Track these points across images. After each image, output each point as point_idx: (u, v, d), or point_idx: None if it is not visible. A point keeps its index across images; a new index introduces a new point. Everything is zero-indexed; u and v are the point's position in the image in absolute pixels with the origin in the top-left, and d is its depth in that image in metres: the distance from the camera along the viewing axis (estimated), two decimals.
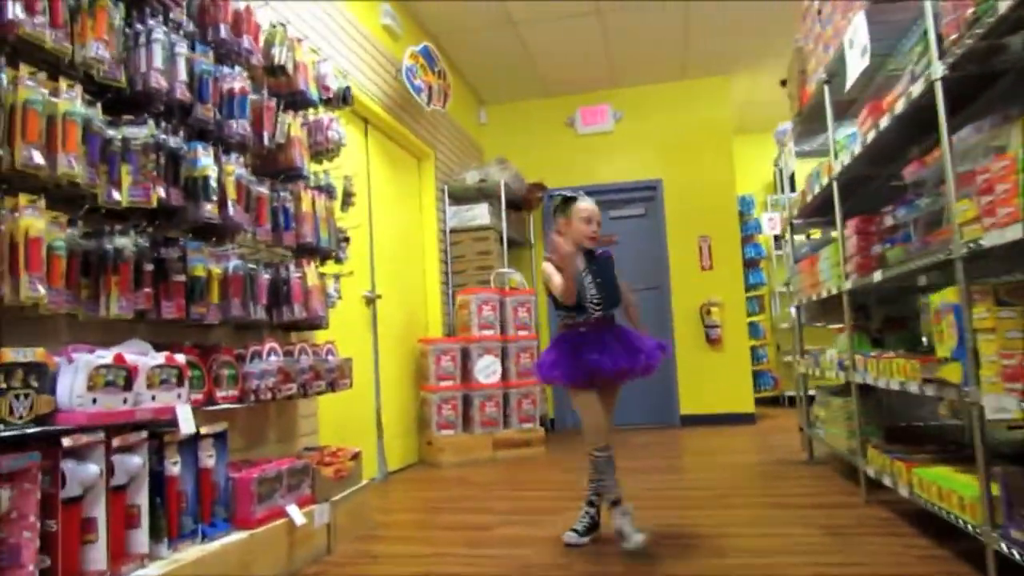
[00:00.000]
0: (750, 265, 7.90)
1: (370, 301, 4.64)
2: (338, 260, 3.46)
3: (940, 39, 2.18)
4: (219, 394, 2.51)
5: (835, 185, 3.43)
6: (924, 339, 3.63)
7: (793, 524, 2.99)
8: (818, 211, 4.26)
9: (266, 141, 2.84)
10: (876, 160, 3.12)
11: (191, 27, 2.52)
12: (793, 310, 4.83)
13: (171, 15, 2.39)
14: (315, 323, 3.18)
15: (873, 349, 3.47)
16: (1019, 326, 1.90)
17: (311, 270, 3.09)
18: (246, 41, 2.75)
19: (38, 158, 1.79)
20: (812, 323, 5.28)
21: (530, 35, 5.89)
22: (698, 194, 6.91)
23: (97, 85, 2.09)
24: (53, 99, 1.87)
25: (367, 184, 4.69)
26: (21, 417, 1.71)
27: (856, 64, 2.90)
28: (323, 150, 3.35)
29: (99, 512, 1.88)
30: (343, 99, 3.55)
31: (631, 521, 2.67)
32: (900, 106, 2.47)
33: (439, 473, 4.72)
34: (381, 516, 3.46)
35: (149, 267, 2.20)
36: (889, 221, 2.85)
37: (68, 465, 1.79)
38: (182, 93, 2.35)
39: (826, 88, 3.48)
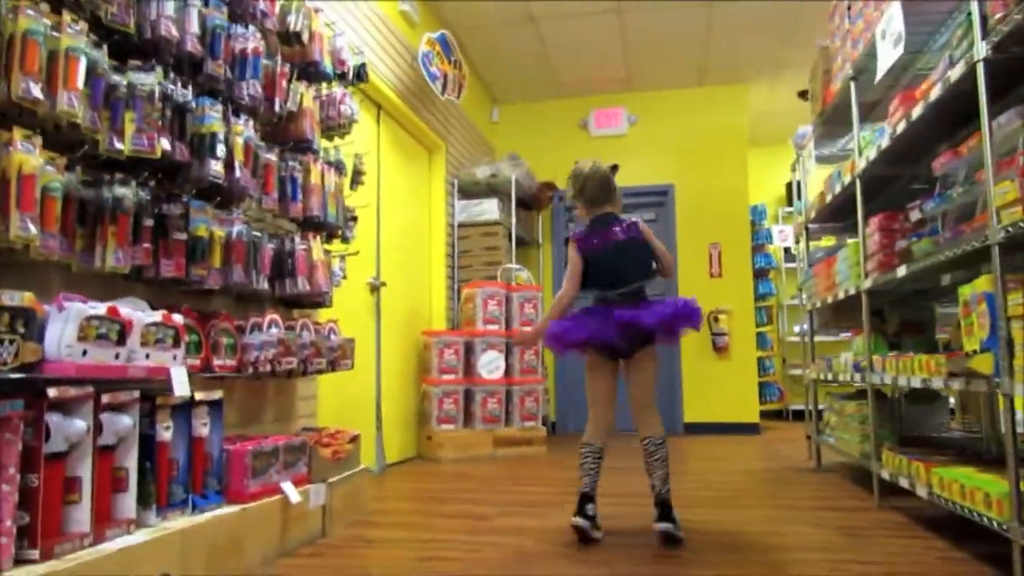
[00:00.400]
0: (760, 275, 7.81)
1: (374, 288, 4.55)
2: (344, 239, 3.37)
3: (984, 20, 2.09)
4: (216, 362, 2.42)
5: (858, 183, 3.34)
6: (940, 346, 3.55)
7: (805, 524, 2.89)
8: (836, 214, 4.17)
9: (277, 107, 2.76)
10: (903, 157, 3.04)
11: None
12: (805, 310, 4.72)
13: None
14: (318, 300, 3.09)
15: (890, 352, 3.37)
16: None
17: (317, 244, 3.00)
18: (262, 3, 2.67)
19: (36, 91, 1.71)
20: (824, 330, 5.19)
21: (549, 33, 5.83)
22: (710, 201, 6.82)
23: (104, 29, 2.00)
24: (55, 33, 1.79)
25: (377, 170, 4.62)
26: (5, 363, 1.62)
27: (888, 55, 2.82)
28: (335, 125, 3.27)
29: (84, 472, 1.78)
30: (358, 75, 3.48)
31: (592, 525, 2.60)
32: (936, 92, 2.38)
33: (438, 468, 4.61)
34: (378, 504, 3.36)
35: (149, 222, 2.11)
36: (916, 216, 2.76)
37: (53, 418, 1.70)
38: (193, 46, 2.27)
39: (852, 85, 3.39)
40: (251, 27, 2.60)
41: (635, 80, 6.85)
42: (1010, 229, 1.91)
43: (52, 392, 1.67)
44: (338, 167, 3.24)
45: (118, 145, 2.00)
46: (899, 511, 3.04)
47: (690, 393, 6.66)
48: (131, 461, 1.94)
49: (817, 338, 4.87)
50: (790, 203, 7.54)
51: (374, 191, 4.52)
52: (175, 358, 2.09)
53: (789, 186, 7.60)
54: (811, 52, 4.36)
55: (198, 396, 2.21)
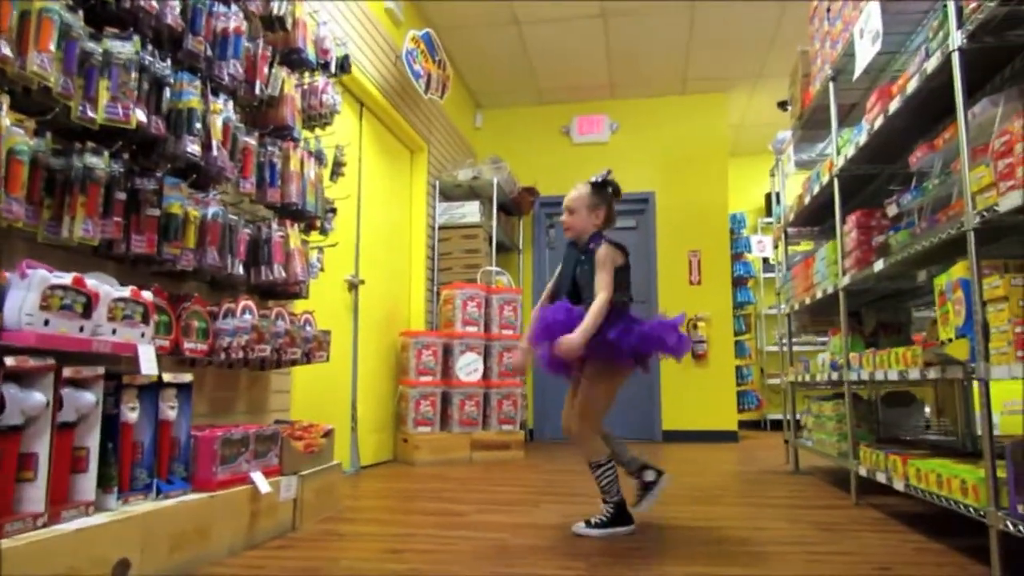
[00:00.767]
0: (738, 283, 7.84)
1: (352, 286, 4.50)
2: (323, 231, 3.33)
3: (959, 10, 2.11)
4: (187, 345, 2.36)
5: (836, 182, 3.36)
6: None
7: (783, 520, 2.88)
8: (814, 216, 4.20)
9: (257, 90, 2.72)
10: (881, 153, 3.06)
11: None
12: (784, 314, 4.73)
13: None
14: (294, 290, 3.04)
15: (867, 351, 3.38)
16: None
17: (294, 233, 2.96)
18: None
19: (6, 49, 1.66)
20: (802, 333, 5.21)
21: (532, 37, 5.84)
22: (690, 208, 6.86)
23: None
24: None
25: (358, 168, 4.58)
26: None
27: (866, 53, 2.85)
28: (316, 115, 3.24)
29: (41, 448, 1.70)
30: (341, 67, 3.45)
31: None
32: (913, 84, 2.40)
33: (414, 470, 4.55)
34: (351, 502, 3.30)
35: (121, 196, 2.06)
36: (893, 210, 2.77)
37: (10, 390, 1.63)
38: (173, 20, 2.24)
39: (831, 85, 3.42)
40: (234, 7, 2.57)
41: (618, 87, 6.89)
42: (985, 214, 1.92)
43: (10, 361, 1.61)
44: (319, 157, 3.21)
45: (91, 114, 1.95)
46: (876, 508, 3.04)
47: (668, 400, 6.65)
48: (92, 441, 1.87)
49: (796, 348, 4.88)
50: (769, 213, 7.61)
51: (355, 188, 4.49)
52: (143, 336, 2.04)
53: (768, 197, 7.68)
54: (790, 62, 4.41)
55: (166, 378, 2.16)
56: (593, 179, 2.86)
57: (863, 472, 3.04)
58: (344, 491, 3.31)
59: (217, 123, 2.45)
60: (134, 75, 2.08)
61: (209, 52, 2.46)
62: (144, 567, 1.87)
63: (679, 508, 3.12)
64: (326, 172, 3.35)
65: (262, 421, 3.11)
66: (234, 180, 2.64)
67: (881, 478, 2.82)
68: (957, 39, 2.09)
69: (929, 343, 2.42)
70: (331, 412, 4.11)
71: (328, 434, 3.03)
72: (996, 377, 1.90)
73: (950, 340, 2.18)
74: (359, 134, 4.69)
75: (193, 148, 2.30)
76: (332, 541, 2.54)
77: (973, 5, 2.02)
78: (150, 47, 2.19)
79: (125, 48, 2.04)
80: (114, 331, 1.93)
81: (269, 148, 2.85)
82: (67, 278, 1.77)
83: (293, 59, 3.08)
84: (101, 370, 1.89)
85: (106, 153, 2.02)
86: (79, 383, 1.83)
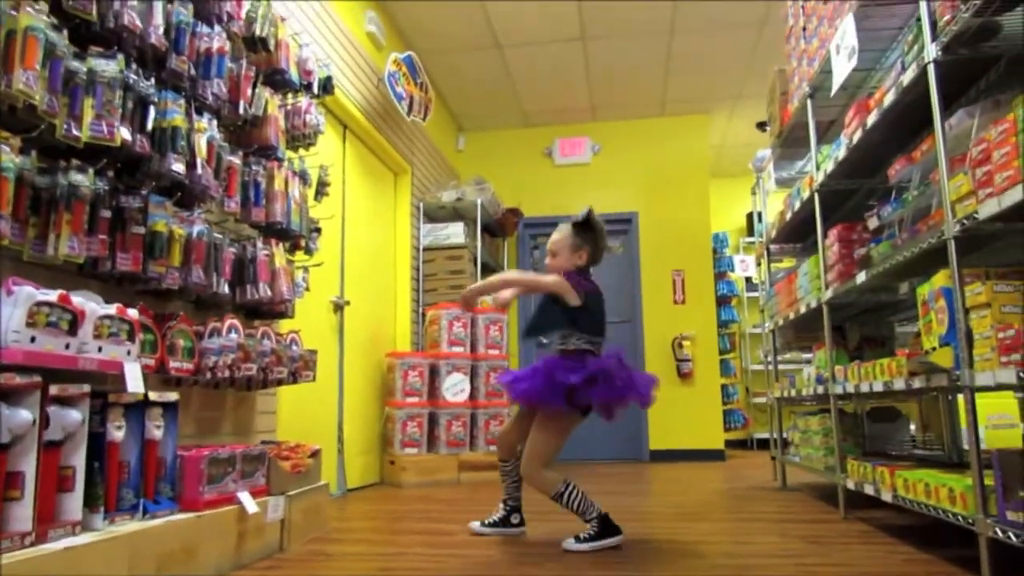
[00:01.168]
0: (722, 302, 7.89)
1: (338, 307, 4.49)
2: (308, 250, 3.33)
3: (934, 23, 2.17)
4: (173, 364, 2.34)
5: (817, 197, 3.40)
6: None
7: (772, 534, 2.88)
8: (796, 232, 4.25)
9: (241, 110, 2.73)
10: (860, 168, 3.11)
11: None
12: (768, 331, 4.76)
13: None
14: (280, 309, 3.03)
15: (852, 363, 3.40)
16: (1015, 300, 1.84)
17: (279, 251, 2.95)
18: (228, 4, 2.67)
19: None
20: (786, 350, 5.24)
21: (513, 60, 5.91)
22: (673, 228, 6.91)
23: (64, 14, 1.97)
24: (14, 12, 1.75)
25: (342, 190, 4.59)
26: None
27: (843, 69, 2.90)
28: (300, 135, 3.25)
29: (27, 467, 1.68)
30: (324, 88, 3.48)
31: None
32: (890, 98, 2.45)
33: (401, 492, 4.51)
34: (339, 523, 3.27)
35: (106, 213, 2.06)
36: (874, 223, 2.81)
37: None
38: (157, 39, 2.24)
39: (809, 102, 3.48)
40: (217, 27, 2.58)
41: (599, 109, 6.97)
42: (965, 221, 1.96)
43: None
44: (303, 177, 3.21)
45: (76, 132, 1.95)
46: (865, 521, 3.05)
47: (655, 420, 6.65)
48: (79, 460, 1.85)
49: (781, 366, 4.91)
50: (751, 233, 7.68)
51: (339, 210, 4.49)
52: (129, 353, 2.02)
53: (750, 216, 7.75)
54: (768, 83, 4.49)
55: (152, 396, 2.13)
56: (574, 219, 2.83)
57: (851, 485, 3.05)
58: (331, 513, 3.27)
59: (201, 142, 2.45)
60: (118, 93, 2.08)
61: (193, 72, 2.47)
62: None
63: (667, 524, 3.12)
64: (310, 192, 3.35)
65: (248, 442, 3.08)
66: (219, 199, 2.64)
67: (869, 490, 2.84)
68: (932, 51, 2.15)
69: (913, 353, 2.44)
70: (317, 434, 4.08)
71: (315, 454, 3.01)
72: (981, 383, 1.92)
73: (934, 349, 2.21)
74: (342, 156, 4.70)
75: (178, 167, 2.30)
76: (321, 561, 2.51)
77: (947, 17, 2.07)
78: (134, 66, 2.19)
79: (109, 67, 2.05)
80: (100, 349, 1.92)
81: (253, 167, 2.86)
82: (53, 295, 1.76)
83: (276, 80, 3.10)
84: (87, 388, 1.87)
85: (91, 171, 2.01)
86: (65, 401, 1.81)
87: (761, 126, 6.76)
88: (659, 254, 6.91)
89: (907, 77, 2.32)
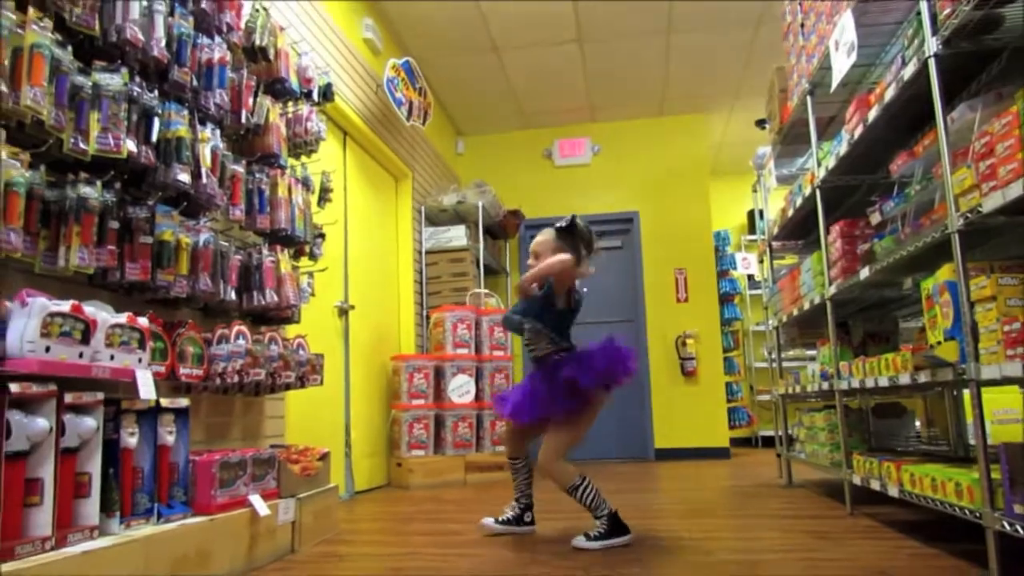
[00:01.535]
0: (725, 300, 7.90)
1: (343, 312, 4.51)
2: (312, 256, 3.35)
3: (934, 17, 2.18)
4: (183, 371, 2.36)
5: (819, 193, 3.42)
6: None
7: (778, 530, 2.89)
8: (798, 229, 4.26)
9: (243, 119, 2.75)
10: (861, 163, 3.12)
11: None
12: (772, 328, 4.78)
13: None
14: (286, 315, 3.05)
15: (856, 359, 3.42)
16: (1020, 293, 1.85)
17: (284, 258, 2.97)
18: (228, 16, 2.69)
19: (0, 84, 1.68)
20: (790, 347, 5.25)
21: (511, 63, 5.92)
22: (674, 227, 6.92)
23: (68, 30, 1.99)
24: (20, 30, 1.77)
25: (344, 196, 4.61)
26: None
27: (842, 64, 2.92)
28: (301, 142, 3.27)
29: (46, 474, 1.71)
30: (324, 95, 3.50)
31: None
32: (891, 93, 2.46)
33: (409, 494, 4.53)
34: (348, 525, 3.29)
35: (114, 224, 2.08)
36: (876, 219, 2.82)
37: (15, 416, 1.64)
38: (160, 52, 2.26)
39: (809, 98, 3.50)
40: (217, 38, 2.60)
41: (598, 110, 6.98)
42: (969, 215, 1.97)
43: (14, 388, 1.62)
44: (306, 183, 3.23)
45: (83, 145, 1.97)
46: (871, 517, 3.06)
47: (660, 418, 6.67)
48: (94, 466, 1.88)
49: (785, 364, 4.92)
50: (752, 231, 7.69)
51: (341, 216, 4.51)
52: (140, 361, 2.04)
53: (751, 214, 7.77)
54: (767, 81, 4.50)
55: (164, 403, 2.16)
56: (558, 224, 2.89)
57: (857, 481, 3.06)
58: (341, 515, 3.29)
59: (205, 152, 2.47)
60: (123, 106, 2.10)
61: (195, 83, 2.49)
62: None
63: (673, 521, 3.13)
64: (313, 198, 3.37)
65: (257, 446, 3.10)
66: (224, 207, 2.66)
67: (875, 485, 2.84)
68: (933, 45, 2.16)
69: (918, 348, 2.45)
70: (325, 438, 4.09)
71: (324, 457, 3.03)
72: (987, 376, 1.93)
73: (939, 343, 2.22)
74: (344, 162, 4.72)
75: (183, 176, 2.32)
76: (332, 562, 2.53)
77: (948, 11, 2.08)
78: (138, 79, 2.22)
79: (114, 80, 2.07)
80: (112, 357, 1.94)
81: (257, 175, 2.88)
82: (65, 305, 1.78)
83: (277, 88, 3.12)
84: (100, 395, 1.89)
85: (99, 183, 2.04)
86: (80, 409, 1.83)
87: (761, 124, 6.78)
88: (661, 253, 6.92)
89: (908, 72, 2.33)
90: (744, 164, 6.76)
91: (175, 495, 2.19)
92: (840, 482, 3.29)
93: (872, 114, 2.65)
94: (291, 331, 3.24)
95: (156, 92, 2.28)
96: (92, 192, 1.99)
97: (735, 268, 8.06)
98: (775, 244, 4.73)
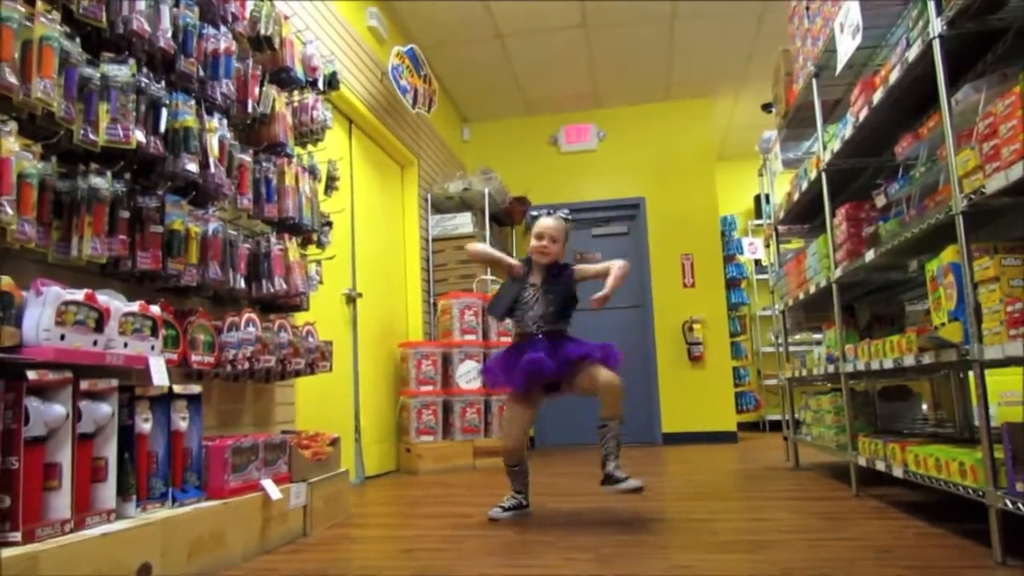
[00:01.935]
0: (732, 285, 7.89)
1: (351, 299, 4.54)
2: (320, 244, 3.37)
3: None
4: (194, 358, 2.40)
5: (824, 176, 3.42)
6: None
7: (784, 511, 2.92)
8: (804, 213, 4.26)
9: (250, 108, 2.78)
10: (867, 146, 3.12)
11: None
12: (778, 311, 4.79)
13: None
14: (295, 302, 3.08)
15: (862, 342, 3.43)
16: (1022, 274, 1.86)
17: (292, 246, 3.00)
18: (233, 5, 2.70)
19: (11, 77, 1.71)
20: (797, 331, 5.26)
21: (516, 49, 5.92)
22: (681, 212, 6.93)
23: (76, 23, 2.01)
24: (29, 23, 1.80)
25: (350, 184, 4.63)
26: None
27: (847, 47, 2.92)
28: (307, 131, 3.29)
29: (63, 458, 1.75)
30: (329, 83, 3.51)
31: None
32: (895, 74, 2.46)
33: (418, 479, 4.58)
34: (358, 509, 3.33)
35: (125, 214, 2.11)
36: (881, 201, 2.83)
37: (32, 403, 1.68)
38: (166, 43, 2.28)
39: (815, 81, 3.49)
40: (223, 28, 2.62)
41: (603, 96, 6.97)
42: (972, 196, 1.98)
43: (32, 375, 1.65)
44: (312, 172, 3.26)
45: (92, 136, 2.00)
46: (877, 498, 3.08)
47: (667, 404, 6.70)
48: (110, 451, 1.91)
49: (791, 348, 4.93)
50: (759, 215, 7.68)
51: (348, 204, 4.53)
52: (153, 348, 2.07)
53: (757, 199, 7.76)
54: (772, 65, 4.49)
55: (177, 390, 2.20)
56: (564, 215, 3.14)
57: (862, 462, 3.08)
58: (351, 499, 3.33)
59: (213, 141, 2.50)
60: (132, 97, 2.13)
61: (201, 73, 2.51)
62: (165, 571, 1.91)
63: (681, 503, 3.16)
64: (320, 187, 3.40)
65: (269, 432, 3.13)
66: (232, 196, 2.69)
67: (880, 466, 2.87)
68: (937, 26, 2.15)
69: (923, 330, 2.47)
70: (335, 424, 4.14)
71: (334, 442, 3.07)
72: (990, 357, 1.95)
73: (943, 324, 2.23)
74: (349, 150, 4.74)
75: (191, 166, 2.35)
76: (344, 544, 2.57)
77: None
78: (145, 70, 2.24)
79: (122, 72, 2.09)
80: (125, 344, 1.97)
81: (264, 164, 2.90)
82: (79, 294, 1.81)
83: (282, 77, 3.14)
84: (115, 382, 1.93)
85: (109, 174, 2.07)
86: (95, 395, 1.87)
87: (767, 107, 6.75)
88: (667, 238, 6.92)
89: (912, 53, 2.33)
90: (751, 148, 6.74)
91: (189, 479, 2.23)
92: (846, 464, 3.31)
93: (877, 97, 2.65)
94: (300, 318, 3.27)
95: (163, 83, 2.31)
96: (103, 182, 2.02)
97: (741, 253, 8.06)
98: (781, 228, 4.73)
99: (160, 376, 2.04)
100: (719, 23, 5.61)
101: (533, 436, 6.77)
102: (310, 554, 2.41)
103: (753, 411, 7.86)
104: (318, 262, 3.39)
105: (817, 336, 5.68)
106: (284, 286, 2.88)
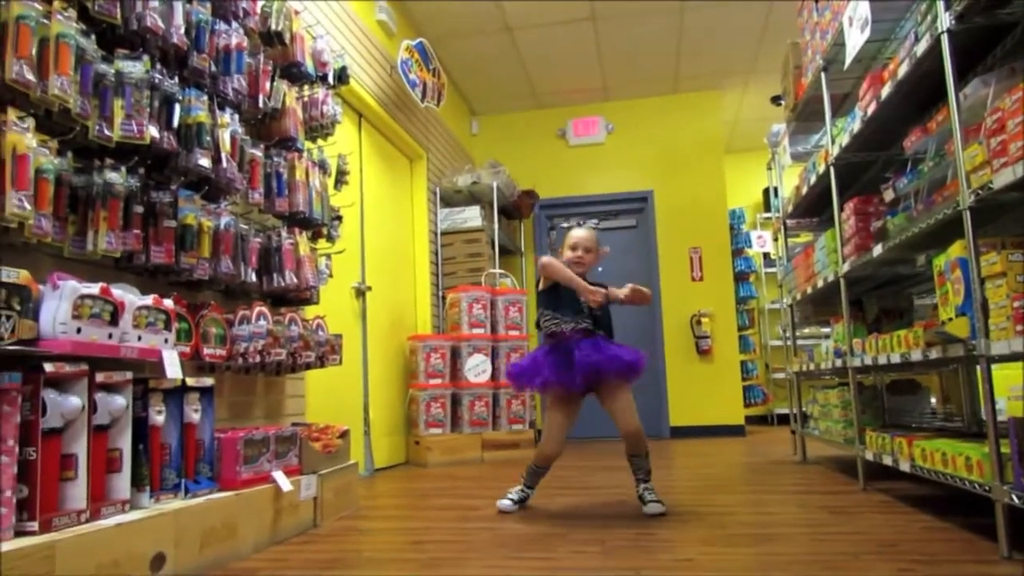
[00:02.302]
0: (740, 278, 7.89)
1: (360, 293, 4.57)
2: (330, 238, 3.40)
3: None
4: (206, 351, 2.43)
5: (832, 170, 3.42)
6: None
7: (791, 505, 2.94)
8: (812, 207, 4.26)
9: (261, 104, 2.80)
10: (876, 140, 3.12)
11: None
12: (786, 305, 4.79)
13: None
14: (305, 296, 3.11)
15: (869, 336, 3.44)
16: None
17: (303, 240, 3.03)
18: (244, 1, 2.72)
19: (29, 74, 1.74)
20: (805, 325, 5.27)
21: (524, 42, 5.92)
22: (689, 205, 6.92)
23: (91, 20, 2.03)
24: (46, 20, 1.82)
25: (360, 178, 4.66)
26: (2, 338, 1.63)
27: (856, 41, 2.92)
28: (317, 126, 3.32)
29: (80, 449, 1.78)
30: (339, 78, 3.53)
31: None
32: (904, 69, 2.46)
33: (427, 471, 4.61)
34: (368, 501, 3.37)
35: (139, 209, 2.14)
36: (889, 195, 2.83)
37: (50, 395, 1.71)
38: (179, 39, 2.31)
39: (823, 75, 3.49)
40: (234, 24, 2.64)
41: (611, 89, 6.97)
42: (980, 192, 1.98)
43: (48, 367, 1.68)
44: (322, 166, 3.28)
45: (107, 132, 2.02)
46: (884, 492, 3.09)
47: (675, 397, 6.71)
48: (125, 442, 1.95)
49: (799, 341, 4.94)
50: (767, 208, 7.67)
51: (357, 198, 4.56)
52: (166, 341, 2.10)
53: (766, 192, 7.74)
54: (781, 57, 4.48)
55: (189, 382, 2.22)
56: (594, 224, 3.19)
57: (869, 456, 3.09)
58: (361, 491, 3.37)
59: (225, 136, 2.52)
60: (145, 93, 2.15)
61: (213, 68, 2.54)
62: (178, 561, 1.94)
63: (689, 496, 3.18)
64: (330, 181, 3.42)
65: (279, 424, 3.17)
66: (243, 191, 2.71)
67: (887, 461, 2.87)
68: (946, 21, 2.15)
69: (931, 324, 2.47)
70: (344, 416, 4.17)
71: (344, 435, 3.10)
72: (996, 352, 1.96)
73: (950, 319, 2.24)
74: (359, 144, 4.76)
75: (204, 161, 2.38)
76: (354, 536, 2.60)
77: None
78: (158, 66, 2.26)
79: (136, 68, 2.12)
80: (139, 338, 2.00)
81: (275, 159, 2.93)
82: (95, 288, 1.84)
83: (293, 72, 3.16)
84: (129, 375, 1.96)
85: (123, 169, 2.10)
86: (110, 388, 1.90)
87: (776, 100, 6.73)
88: (676, 232, 6.92)
89: (920, 48, 2.33)
90: (759, 141, 6.73)
91: (201, 471, 2.27)
92: (853, 458, 3.32)
93: (885, 91, 2.65)
94: (310, 312, 3.30)
95: (176, 78, 2.33)
96: (117, 178, 2.05)
97: (750, 246, 8.05)
98: (790, 222, 4.73)
99: (173, 369, 2.07)
100: (728, 14, 5.58)
101: (541, 429, 6.79)
102: (320, 545, 2.45)
103: (761, 405, 7.87)
104: (328, 256, 3.41)
105: (825, 330, 5.68)
106: (295, 280, 2.91)
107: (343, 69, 3.56)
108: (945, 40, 2.14)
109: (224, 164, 2.48)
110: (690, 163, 6.98)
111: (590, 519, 2.75)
